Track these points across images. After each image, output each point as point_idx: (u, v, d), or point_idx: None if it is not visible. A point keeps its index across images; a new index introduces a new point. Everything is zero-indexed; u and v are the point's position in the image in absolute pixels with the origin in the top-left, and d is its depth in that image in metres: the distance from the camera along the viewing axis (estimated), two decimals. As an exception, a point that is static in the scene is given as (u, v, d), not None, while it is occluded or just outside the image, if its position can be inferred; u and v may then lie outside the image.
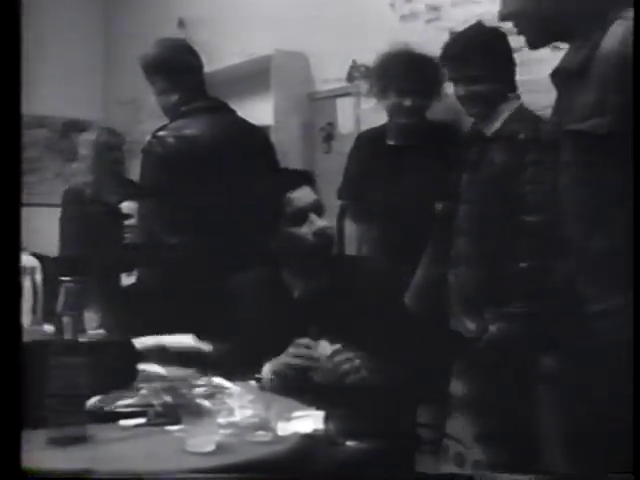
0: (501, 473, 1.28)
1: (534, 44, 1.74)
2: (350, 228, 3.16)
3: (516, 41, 2.47)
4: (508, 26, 1.83)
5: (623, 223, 1.51)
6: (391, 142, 2.97)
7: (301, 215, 2.14)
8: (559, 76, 1.74)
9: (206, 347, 1.90)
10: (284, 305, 2.15)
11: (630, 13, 1.54)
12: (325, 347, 1.95)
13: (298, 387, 1.89)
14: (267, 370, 1.97)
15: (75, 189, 3.84)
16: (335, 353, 1.93)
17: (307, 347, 1.97)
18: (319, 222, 2.15)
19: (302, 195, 2.17)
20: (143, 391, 1.69)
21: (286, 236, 2.14)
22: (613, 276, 1.55)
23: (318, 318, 2.05)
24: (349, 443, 1.51)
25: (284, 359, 1.97)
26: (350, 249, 3.16)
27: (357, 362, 1.92)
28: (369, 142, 3.08)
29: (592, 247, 1.58)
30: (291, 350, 1.97)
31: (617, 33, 1.55)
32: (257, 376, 1.97)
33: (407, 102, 2.85)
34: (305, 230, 2.13)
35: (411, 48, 2.92)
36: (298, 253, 2.14)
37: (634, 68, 1.47)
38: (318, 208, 2.19)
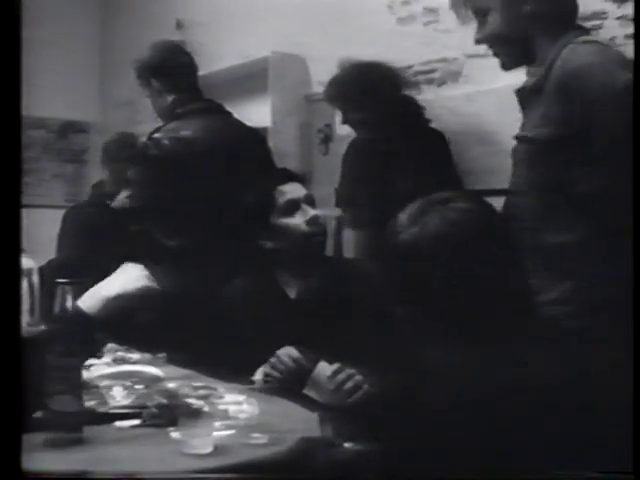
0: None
1: (507, 65, 2.02)
2: (347, 235, 3.16)
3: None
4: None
5: (572, 219, 1.77)
6: (380, 148, 2.97)
7: (293, 205, 2.17)
8: (522, 92, 2.01)
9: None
10: (280, 308, 2.15)
11: (580, 36, 1.85)
12: (324, 368, 1.92)
13: (290, 389, 1.89)
14: (259, 373, 1.98)
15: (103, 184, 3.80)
16: (335, 373, 1.89)
17: (292, 359, 1.95)
18: (311, 211, 2.17)
19: (293, 189, 2.20)
20: (139, 392, 1.69)
21: (279, 227, 2.16)
22: (562, 267, 1.78)
23: (314, 320, 2.05)
24: (347, 445, 1.51)
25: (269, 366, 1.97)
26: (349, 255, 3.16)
27: (358, 378, 1.87)
28: (360, 148, 3.08)
29: (543, 241, 1.80)
30: (276, 354, 1.97)
31: (564, 52, 1.81)
32: (252, 379, 1.98)
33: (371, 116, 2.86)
34: (298, 220, 2.15)
35: (358, 62, 2.91)
36: (292, 245, 2.16)
37: (634, 68, 1.65)
38: (310, 201, 2.21)
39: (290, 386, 1.91)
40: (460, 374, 1.33)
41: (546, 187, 1.82)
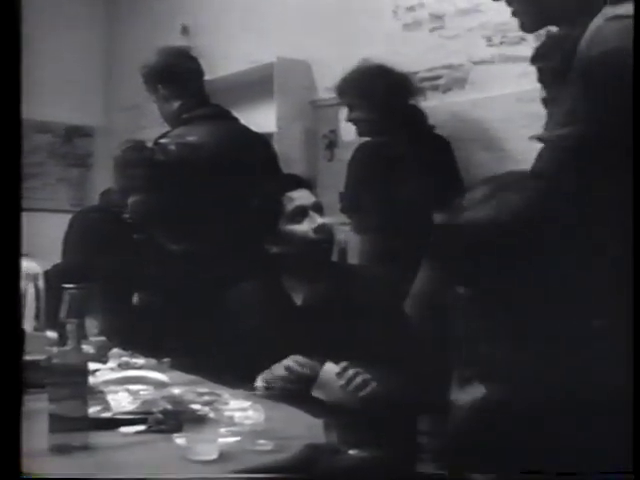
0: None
1: (527, 27, 1.67)
2: (354, 240, 3.15)
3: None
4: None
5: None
6: (387, 153, 2.97)
7: (301, 212, 2.17)
8: (546, 74, 1.70)
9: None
10: (287, 313, 2.15)
11: (610, 10, 1.42)
12: (331, 368, 1.95)
13: (295, 395, 1.90)
14: (260, 380, 1.98)
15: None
16: (344, 370, 1.94)
17: (301, 365, 1.96)
18: (319, 219, 2.17)
19: (302, 195, 2.20)
20: (144, 398, 1.69)
21: (287, 234, 2.16)
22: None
23: (321, 325, 2.05)
24: (352, 451, 1.51)
25: (276, 372, 1.97)
26: (354, 261, 3.16)
27: (366, 375, 1.93)
28: (366, 154, 3.08)
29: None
30: (284, 365, 1.97)
31: (590, 32, 1.43)
32: (256, 385, 1.98)
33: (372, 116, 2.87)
34: (305, 227, 2.15)
35: (375, 63, 2.92)
36: (299, 251, 2.16)
37: (634, 68, 1.38)
38: (318, 208, 2.21)
39: (298, 393, 1.91)
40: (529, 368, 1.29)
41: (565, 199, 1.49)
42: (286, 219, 2.17)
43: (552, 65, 1.67)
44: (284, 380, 1.94)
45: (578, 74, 1.46)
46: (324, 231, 2.17)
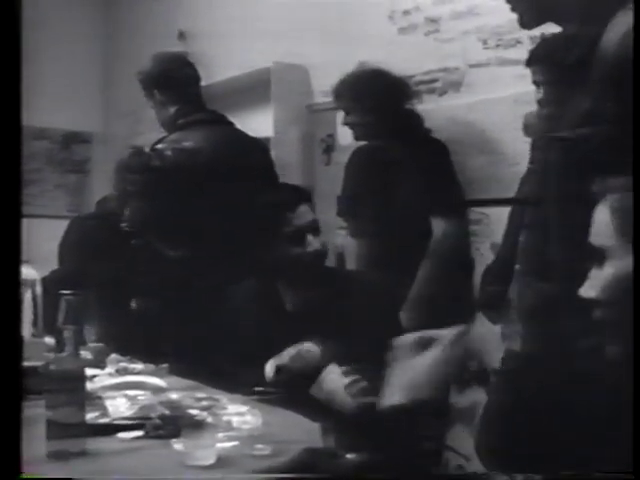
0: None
1: (526, 23, 1.62)
2: (351, 244, 3.15)
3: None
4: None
5: None
6: (383, 157, 2.98)
7: (299, 236, 2.17)
8: (545, 66, 1.69)
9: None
10: (283, 318, 2.16)
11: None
12: (333, 369, 1.96)
13: (294, 398, 1.90)
14: (270, 366, 1.98)
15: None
16: (347, 372, 1.95)
17: (308, 353, 1.98)
18: (315, 243, 2.18)
19: (300, 214, 2.20)
20: (142, 403, 1.69)
21: (283, 253, 2.16)
22: None
23: (312, 331, 2.06)
24: (349, 455, 1.51)
25: (287, 357, 1.99)
26: (351, 265, 3.16)
27: (364, 383, 1.94)
28: (363, 157, 3.08)
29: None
30: (292, 350, 1.99)
31: (617, 29, 1.39)
32: (254, 389, 1.98)
33: (368, 119, 2.88)
34: (300, 250, 2.16)
35: (372, 67, 2.93)
36: (292, 268, 2.16)
37: (634, 69, 1.34)
38: (315, 229, 2.22)
39: (302, 383, 1.92)
40: None
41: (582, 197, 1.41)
42: (283, 240, 2.18)
43: (559, 64, 1.68)
44: (292, 361, 1.96)
45: (604, 74, 1.41)
46: (318, 254, 2.19)
